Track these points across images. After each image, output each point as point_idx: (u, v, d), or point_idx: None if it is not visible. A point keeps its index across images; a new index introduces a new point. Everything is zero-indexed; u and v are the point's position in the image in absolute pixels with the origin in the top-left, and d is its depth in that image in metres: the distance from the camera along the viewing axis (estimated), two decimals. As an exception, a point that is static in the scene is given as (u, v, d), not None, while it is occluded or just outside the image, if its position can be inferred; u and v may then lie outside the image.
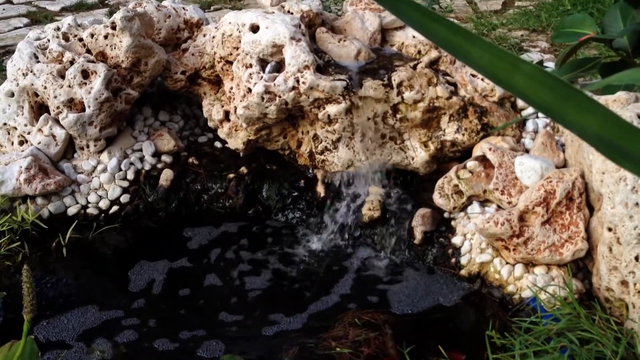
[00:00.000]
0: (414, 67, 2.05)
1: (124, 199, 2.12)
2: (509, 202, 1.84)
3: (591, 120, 0.55)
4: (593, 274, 1.74)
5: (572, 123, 0.55)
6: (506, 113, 2.09)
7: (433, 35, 0.54)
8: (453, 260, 1.87)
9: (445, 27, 0.54)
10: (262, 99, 1.99)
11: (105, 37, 2.14)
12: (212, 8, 4.92)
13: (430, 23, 0.54)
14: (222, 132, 2.22)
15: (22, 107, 2.16)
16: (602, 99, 2.06)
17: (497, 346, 1.57)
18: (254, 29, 2.06)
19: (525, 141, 2.05)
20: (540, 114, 2.13)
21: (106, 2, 5.22)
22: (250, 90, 2.02)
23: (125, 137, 2.21)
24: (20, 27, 4.41)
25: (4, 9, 5.00)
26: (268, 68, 2.04)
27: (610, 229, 1.64)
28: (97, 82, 2.06)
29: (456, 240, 1.88)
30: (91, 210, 2.08)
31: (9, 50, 3.73)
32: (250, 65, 2.05)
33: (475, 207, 1.90)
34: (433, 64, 2.11)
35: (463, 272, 1.84)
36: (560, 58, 2.36)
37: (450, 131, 2.05)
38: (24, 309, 0.90)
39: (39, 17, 4.65)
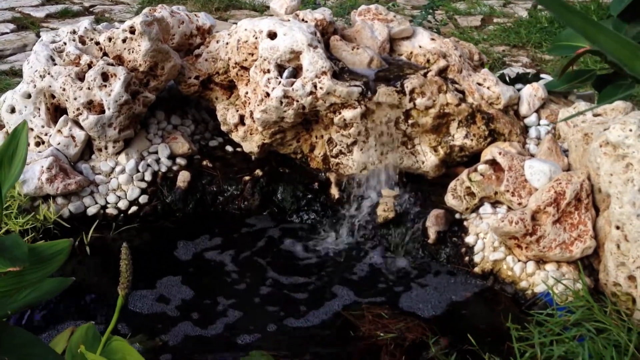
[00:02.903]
0: (425, 75, 2.15)
1: (143, 199, 2.16)
2: (519, 203, 1.94)
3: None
4: (600, 270, 1.84)
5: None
6: (511, 120, 2.20)
7: (569, 23, 0.62)
8: (466, 258, 1.95)
9: (579, 17, 0.62)
10: (281, 103, 2.06)
11: (124, 40, 2.18)
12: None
13: (566, 13, 0.62)
14: (236, 136, 2.27)
15: (39, 109, 2.18)
16: (600, 109, 2.19)
17: (515, 337, 1.65)
18: (272, 35, 2.13)
19: (529, 147, 2.16)
20: (541, 122, 2.25)
21: (91, 9, 5.23)
22: (268, 94, 2.09)
23: (140, 140, 2.25)
24: (7, 33, 4.39)
25: (-14, 15, 4.98)
26: (285, 73, 2.11)
27: (618, 227, 1.74)
28: (117, 85, 2.10)
29: (469, 239, 1.97)
30: (110, 211, 2.11)
31: (0, 56, 3.72)
32: (268, 71, 2.11)
33: (487, 208, 1.99)
34: (442, 72, 2.21)
35: (476, 269, 1.93)
36: (559, 69, 2.48)
37: (459, 136, 2.15)
38: (120, 285, 0.95)
39: (25, 24, 4.64)
